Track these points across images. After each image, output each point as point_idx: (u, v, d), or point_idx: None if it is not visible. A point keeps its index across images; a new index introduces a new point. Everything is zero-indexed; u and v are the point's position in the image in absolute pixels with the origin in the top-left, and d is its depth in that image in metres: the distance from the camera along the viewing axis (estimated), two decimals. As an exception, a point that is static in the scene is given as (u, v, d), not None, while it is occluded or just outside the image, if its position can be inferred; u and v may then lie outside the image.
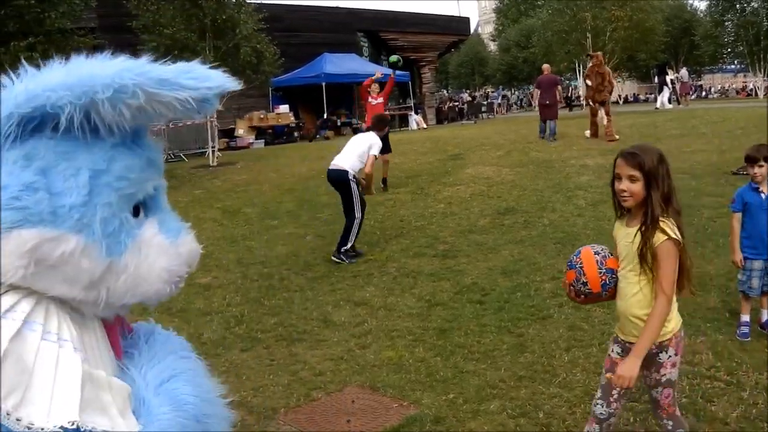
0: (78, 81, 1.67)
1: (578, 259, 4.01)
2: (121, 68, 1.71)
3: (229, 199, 16.01)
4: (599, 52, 23.21)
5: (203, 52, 20.81)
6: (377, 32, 41.34)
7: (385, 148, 15.25)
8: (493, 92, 67.04)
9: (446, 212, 12.92)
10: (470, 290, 8.50)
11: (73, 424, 1.55)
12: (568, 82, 57.45)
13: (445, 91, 72.80)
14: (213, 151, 22.55)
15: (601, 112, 20.80)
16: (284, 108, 32.91)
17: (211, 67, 1.89)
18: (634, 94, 62.75)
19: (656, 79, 42.43)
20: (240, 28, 22.24)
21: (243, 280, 9.90)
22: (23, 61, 1.83)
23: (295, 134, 32.60)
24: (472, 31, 67.35)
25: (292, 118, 33.18)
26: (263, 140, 30.75)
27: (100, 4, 22.00)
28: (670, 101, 35.19)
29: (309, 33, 35.96)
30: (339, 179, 10.62)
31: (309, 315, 8.15)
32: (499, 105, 54.50)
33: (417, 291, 8.69)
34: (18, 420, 1.52)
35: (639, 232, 3.69)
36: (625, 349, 3.86)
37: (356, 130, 34.21)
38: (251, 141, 30.50)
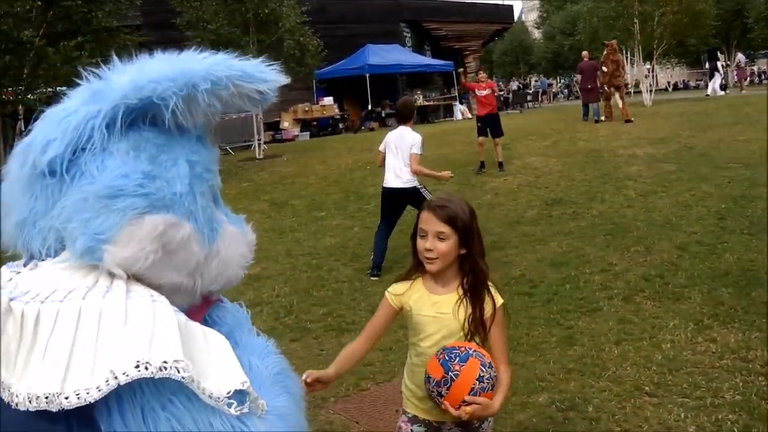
0: (180, 73, 1.72)
1: (458, 368, 2.92)
2: (213, 61, 1.77)
3: (276, 191, 16.10)
4: (613, 41, 24.65)
5: (247, 47, 20.89)
6: (420, 22, 41.12)
7: (497, 132, 16.05)
8: (536, 81, 66.41)
9: (493, 203, 12.88)
10: (518, 282, 8.48)
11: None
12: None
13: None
14: (259, 144, 22.67)
15: (617, 96, 22.86)
16: (328, 100, 32.95)
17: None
18: (684, 80, 61.93)
19: (707, 65, 41.73)
20: (283, 22, 22.26)
21: (292, 271, 9.97)
22: (74, 59, 1.90)
23: (340, 126, 32.65)
24: (516, 18, 66.92)
25: (337, 110, 33.21)
26: (308, 132, 30.85)
27: (144, 2, 22.27)
28: (722, 88, 34.62)
29: (352, 24, 35.88)
30: (407, 196, 9.56)
31: (357, 305, 8.19)
32: (545, 93, 54.08)
33: (465, 283, 8.65)
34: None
35: (463, 301, 3.13)
36: (433, 430, 3.25)
37: (401, 121, 34.25)
38: (296, 133, 30.62)
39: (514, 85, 58.79)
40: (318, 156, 20.89)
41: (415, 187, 9.50)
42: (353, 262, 10.11)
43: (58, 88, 15.55)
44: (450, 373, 2.90)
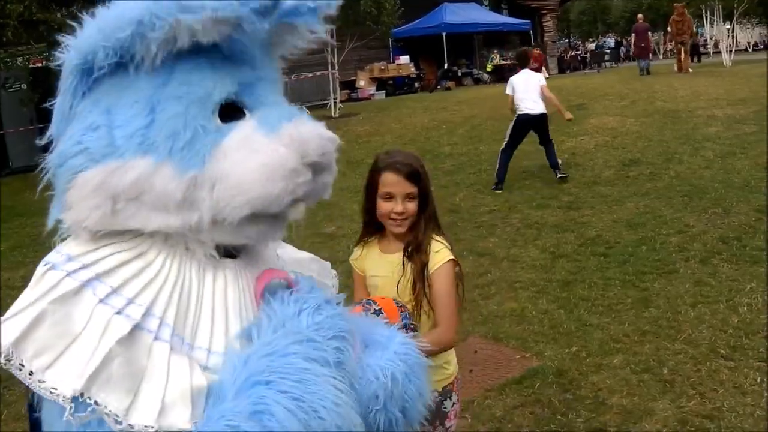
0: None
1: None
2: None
3: (351, 150, 16.16)
4: (681, 4, 27.66)
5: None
6: (498, -20, 40.74)
7: None
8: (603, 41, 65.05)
9: (570, 163, 12.76)
10: (594, 243, 8.44)
11: (76, 392, 1.42)
12: (696, 28, 55.37)
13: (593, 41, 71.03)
14: (335, 103, 22.73)
15: (682, 51, 26.84)
16: (405, 59, 32.81)
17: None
18: (765, 40, 60.13)
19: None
20: (359, -20, 22.22)
21: (366, 230, 10.04)
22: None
23: (416, 85, 32.51)
24: (595, -23, 65.77)
25: (413, 69, 33.07)
26: (384, 91, 30.78)
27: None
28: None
29: (429, -18, 35.68)
30: (542, 120, 11.62)
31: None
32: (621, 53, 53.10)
33: (540, 242, 8.68)
34: (41, 382, 1.43)
35: (406, 259, 3.06)
36: None
37: (477, 80, 34.12)
38: (372, 92, 30.59)
39: (592, 44, 57.80)
40: (394, 115, 20.89)
41: (545, 114, 11.64)
42: (428, 221, 10.15)
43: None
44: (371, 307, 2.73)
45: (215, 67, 1.68)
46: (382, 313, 2.67)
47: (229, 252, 1.77)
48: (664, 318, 6.18)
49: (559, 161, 11.89)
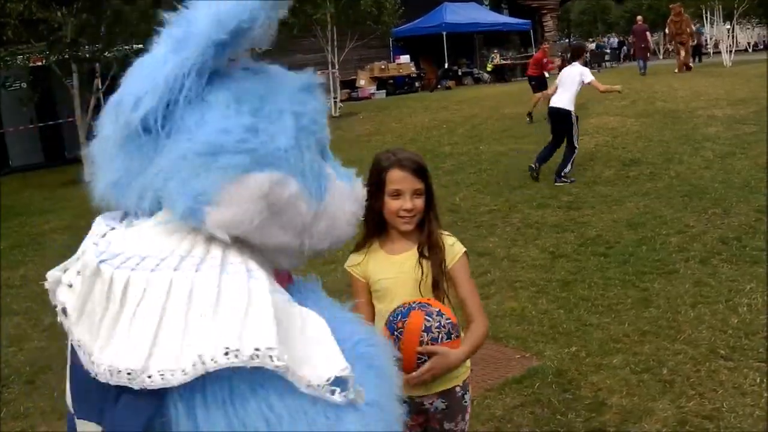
0: None
1: (401, 324, 2.77)
2: None
3: (352, 149, 16.14)
4: (677, 5, 28.15)
5: (324, 5, 20.92)
6: (498, -20, 40.74)
7: (543, 85, 17.62)
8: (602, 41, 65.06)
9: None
10: (594, 242, 8.44)
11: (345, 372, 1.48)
12: (697, 27, 55.30)
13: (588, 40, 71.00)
14: (335, 102, 22.75)
15: (681, 51, 27.47)
16: (405, 58, 32.88)
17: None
18: (765, 41, 60.08)
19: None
20: (360, -21, 22.23)
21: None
22: None
23: (416, 84, 32.57)
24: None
25: (413, 69, 33.12)
26: (384, 91, 30.83)
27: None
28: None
29: (429, -18, 35.69)
30: (560, 117, 11.86)
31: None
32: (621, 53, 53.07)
33: (540, 242, 8.67)
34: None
35: (421, 258, 3.03)
36: (416, 408, 2.98)
37: (477, 80, 34.14)
38: (372, 92, 30.63)
39: (592, 44, 57.78)
40: (394, 114, 20.90)
41: (574, 115, 11.86)
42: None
43: (135, 46, 15.72)
44: (395, 333, 2.74)
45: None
46: (443, 315, 2.76)
47: None
48: (664, 318, 6.17)
49: (536, 165, 12.00)
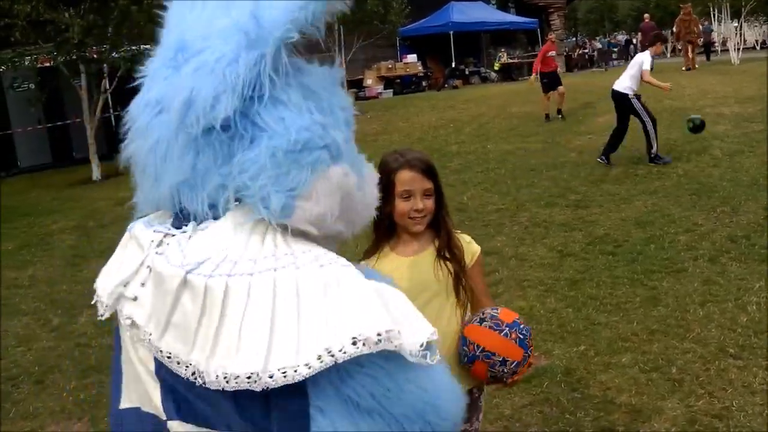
0: None
1: (472, 346, 2.83)
2: None
3: (360, 148, 16.15)
4: (687, 4, 28.82)
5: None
6: (505, -22, 40.72)
7: (559, 82, 17.76)
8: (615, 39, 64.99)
9: (578, 162, 12.76)
10: (602, 241, 8.41)
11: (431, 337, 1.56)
12: (705, 26, 55.15)
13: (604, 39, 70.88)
14: (343, 102, 22.70)
15: (689, 49, 27.88)
16: (412, 58, 32.87)
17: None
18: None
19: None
20: (367, -22, 22.22)
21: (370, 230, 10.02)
22: None
23: (423, 84, 32.57)
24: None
25: (420, 68, 33.11)
26: (391, 90, 30.83)
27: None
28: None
29: (436, -19, 35.68)
30: (618, 98, 12.44)
31: (440, 264, 8.21)
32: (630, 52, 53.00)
33: (548, 241, 8.65)
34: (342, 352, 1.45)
35: (440, 259, 3.00)
36: None
37: (484, 79, 34.11)
38: (380, 91, 30.62)
39: (598, 43, 57.69)
40: (401, 114, 20.90)
41: (632, 96, 12.24)
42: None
43: (142, 46, 15.72)
44: (528, 350, 2.86)
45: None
46: (507, 362, 2.81)
47: None
48: (673, 317, 6.15)
49: (603, 159, 12.30)
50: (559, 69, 19.76)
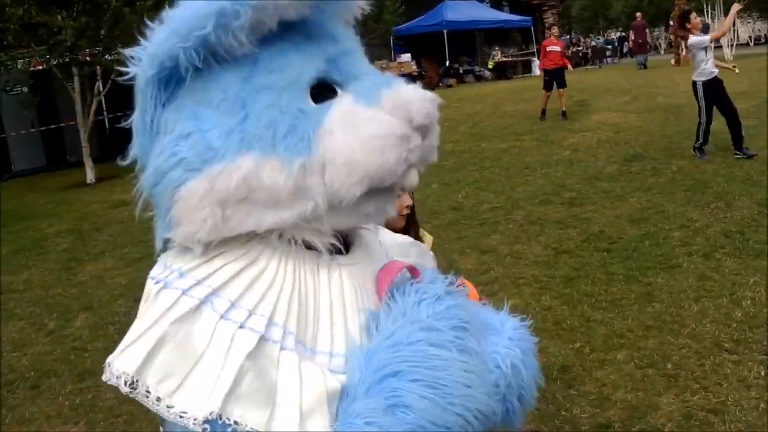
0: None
1: None
2: None
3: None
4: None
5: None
6: (498, -23, 40.70)
7: (561, 83, 17.31)
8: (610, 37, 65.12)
9: (572, 159, 12.78)
10: (597, 238, 8.43)
11: (213, 414, 1.35)
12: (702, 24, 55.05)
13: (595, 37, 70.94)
14: (337, 102, 22.69)
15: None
16: (406, 57, 32.83)
17: None
18: (766, 34, 60.07)
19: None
20: (361, -22, 22.22)
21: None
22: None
23: (418, 83, 32.45)
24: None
25: (415, 67, 33.08)
26: (386, 90, 30.79)
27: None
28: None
29: (430, -20, 35.68)
30: (693, 89, 12.28)
31: (436, 263, 8.22)
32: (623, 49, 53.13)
33: (543, 239, 8.66)
34: (169, 407, 1.36)
35: None
36: None
37: (479, 78, 34.13)
38: (374, 90, 30.58)
39: (593, 41, 57.80)
40: (395, 113, 20.86)
41: (695, 82, 12.20)
42: (431, 218, 10.12)
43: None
44: None
45: (299, 48, 1.60)
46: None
47: (337, 248, 1.67)
48: (668, 313, 6.17)
49: (740, 151, 11.79)
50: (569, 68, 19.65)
